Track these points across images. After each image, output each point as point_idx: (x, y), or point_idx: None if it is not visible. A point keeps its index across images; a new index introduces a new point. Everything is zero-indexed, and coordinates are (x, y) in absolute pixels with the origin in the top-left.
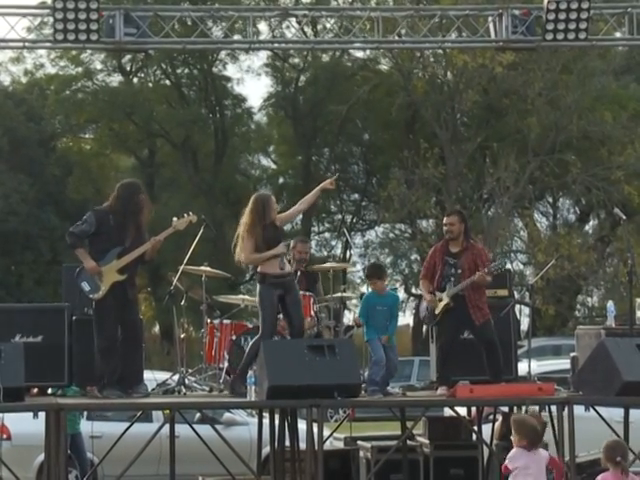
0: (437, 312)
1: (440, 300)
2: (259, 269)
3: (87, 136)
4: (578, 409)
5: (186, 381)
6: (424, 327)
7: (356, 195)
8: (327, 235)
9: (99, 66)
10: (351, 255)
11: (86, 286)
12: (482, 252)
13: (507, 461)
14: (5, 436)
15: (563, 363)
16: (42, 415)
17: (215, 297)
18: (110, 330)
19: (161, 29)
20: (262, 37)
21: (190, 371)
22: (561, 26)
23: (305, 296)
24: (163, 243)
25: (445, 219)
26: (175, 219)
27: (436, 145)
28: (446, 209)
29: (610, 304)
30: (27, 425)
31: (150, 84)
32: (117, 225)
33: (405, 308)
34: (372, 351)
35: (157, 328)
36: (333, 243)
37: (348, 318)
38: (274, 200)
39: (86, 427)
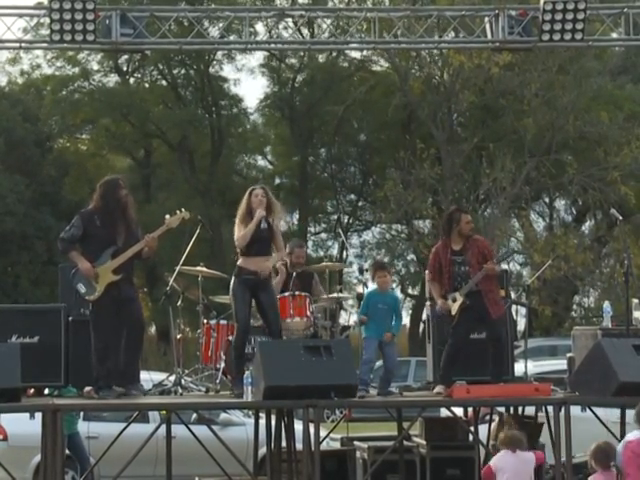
0: (453, 313)
1: (454, 300)
2: (238, 262)
3: (83, 136)
4: (575, 410)
5: (182, 382)
6: (421, 328)
7: (352, 195)
8: (323, 235)
9: (95, 66)
10: (347, 256)
11: (82, 288)
12: (485, 243)
13: None
14: (1, 437)
15: (560, 364)
16: (38, 416)
17: (211, 297)
18: (106, 331)
19: (157, 29)
20: (259, 37)
21: (187, 372)
22: (557, 26)
23: (301, 296)
24: (159, 242)
25: (465, 217)
26: (167, 216)
27: (432, 145)
28: (442, 210)
29: (606, 305)
30: (23, 426)
31: (146, 84)
32: (104, 224)
33: (402, 309)
34: (364, 349)
35: (153, 329)
36: (329, 244)
37: (344, 318)
38: (261, 192)
39: (83, 428)
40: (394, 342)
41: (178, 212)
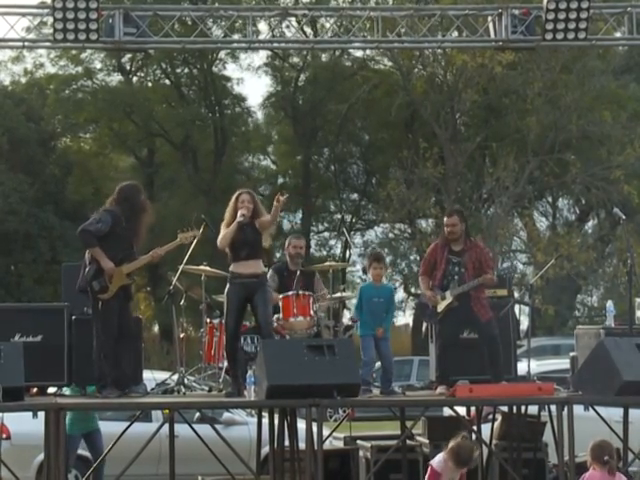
0: (439, 310)
1: (443, 299)
2: (230, 268)
3: (87, 136)
4: (578, 409)
5: (185, 381)
6: (424, 326)
7: (355, 195)
8: (326, 235)
9: (99, 65)
10: (350, 255)
11: (97, 285)
12: (485, 251)
13: None
14: (5, 436)
15: (563, 363)
16: (42, 415)
17: (214, 297)
18: (113, 331)
19: (161, 29)
20: (262, 37)
21: (189, 371)
22: (561, 26)
23: (305, 295)
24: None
25: (446, 219)
26: (180, 232)
27: (435, 145)
28: (445, 209)
29: (609, 304)
30: (26, 425)
31: (150, 84)
32: (129, 226)
33: (405, 307)
34: (363, 350)
35: (156, 328)
36: (332, 243)
37: (347, 318)
38: (247, 197)
39: None
40: (388, 337)
41: (190, 230)
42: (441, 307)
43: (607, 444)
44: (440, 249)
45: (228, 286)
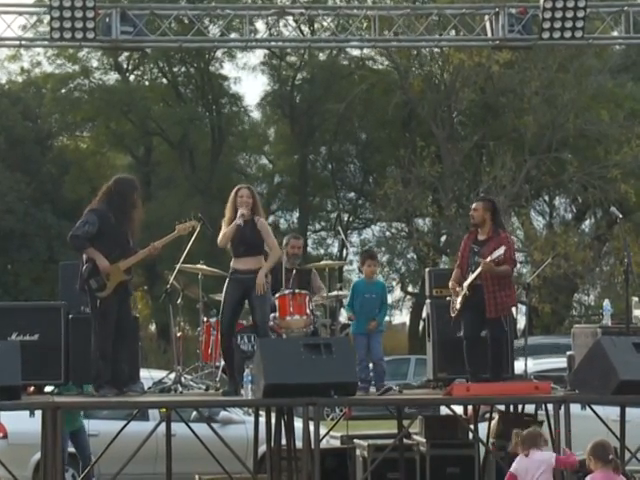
0: (458, 301)
1: (462, 291)
2: (231, 263)
3: (84, 134)
4: (574, 408)
5: (182, 379)
6: (421, 326)
7: (352, 194)
8: (323, 234)
9: (95, 64)
10: (347, 254)
11: (94, 284)
12: (504, 241)
13: None
14: (1, 434)
15: (560, 362)
16: (38, 413)
17: (211, 295)
18: (111, 329)
19: (158, 27)
20: (259, 35)
21: (186, 369)
22: (557, 25)
23: (301, 294)
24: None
25: (472, 205)
26: (177, 224)
27: (432, 144)
28: (442, 208)
29: (606, 303)
30: (23, 423)
31: (147, 82)
32: (119, 223)
33: (402, 307)
34: (355, 348)
35: (153, 326)
36: (329, 242)
37: (344, 316)
38: (246, 192)
39: None
40: (381, 330)
41: (188, 221)
42: (458, 299)
43: (608, 443)
44: (467, 239)
45: (227, 281)
